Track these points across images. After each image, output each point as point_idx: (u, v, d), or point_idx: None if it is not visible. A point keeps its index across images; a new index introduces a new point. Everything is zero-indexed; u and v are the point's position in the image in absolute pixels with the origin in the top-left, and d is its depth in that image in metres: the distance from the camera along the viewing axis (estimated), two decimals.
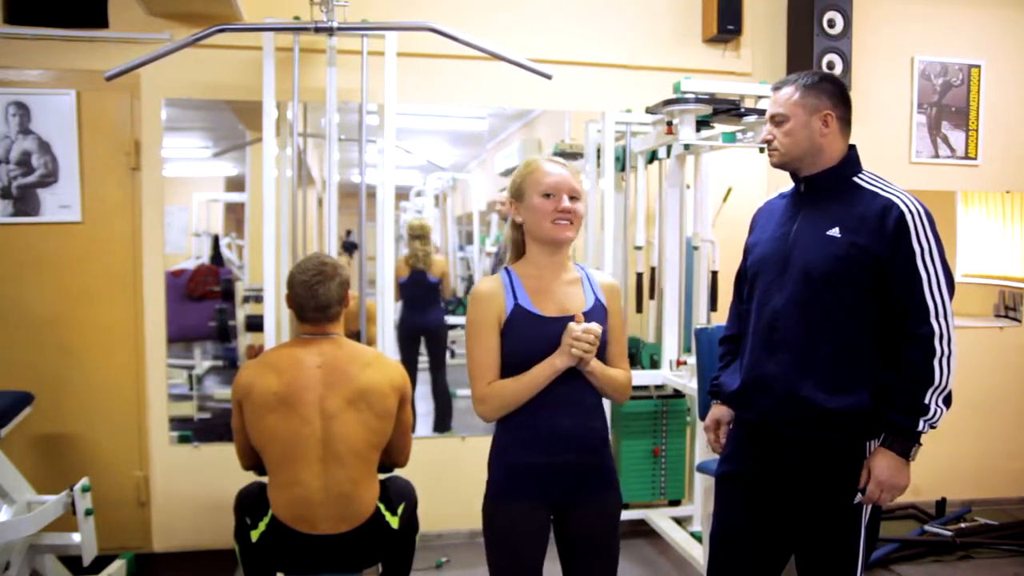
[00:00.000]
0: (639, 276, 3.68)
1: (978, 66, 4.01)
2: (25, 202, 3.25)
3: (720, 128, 3.22)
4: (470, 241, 4.17)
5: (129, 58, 2.81)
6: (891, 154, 3.93)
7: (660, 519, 3.44)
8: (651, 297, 3.73)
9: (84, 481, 2.64)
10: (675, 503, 3.61)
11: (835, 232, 1.78)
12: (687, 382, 3.23)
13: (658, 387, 3.56)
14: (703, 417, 2.31)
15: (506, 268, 1.84)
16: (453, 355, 4.02)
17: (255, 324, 3.44)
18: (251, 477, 2.35)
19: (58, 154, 3.25)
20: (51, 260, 3.27)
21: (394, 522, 2.23)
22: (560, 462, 1.77)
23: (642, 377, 3.52)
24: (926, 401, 1.72)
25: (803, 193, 1.91)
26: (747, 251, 2.02)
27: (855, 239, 1.76)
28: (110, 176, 3.30)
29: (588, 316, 1.76)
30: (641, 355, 3.66)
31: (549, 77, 3.07)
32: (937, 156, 4.01)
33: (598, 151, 3.51)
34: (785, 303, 1.83)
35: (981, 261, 4.58)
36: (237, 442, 2.28)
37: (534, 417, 1.75)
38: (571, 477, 1.79)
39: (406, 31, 3.21)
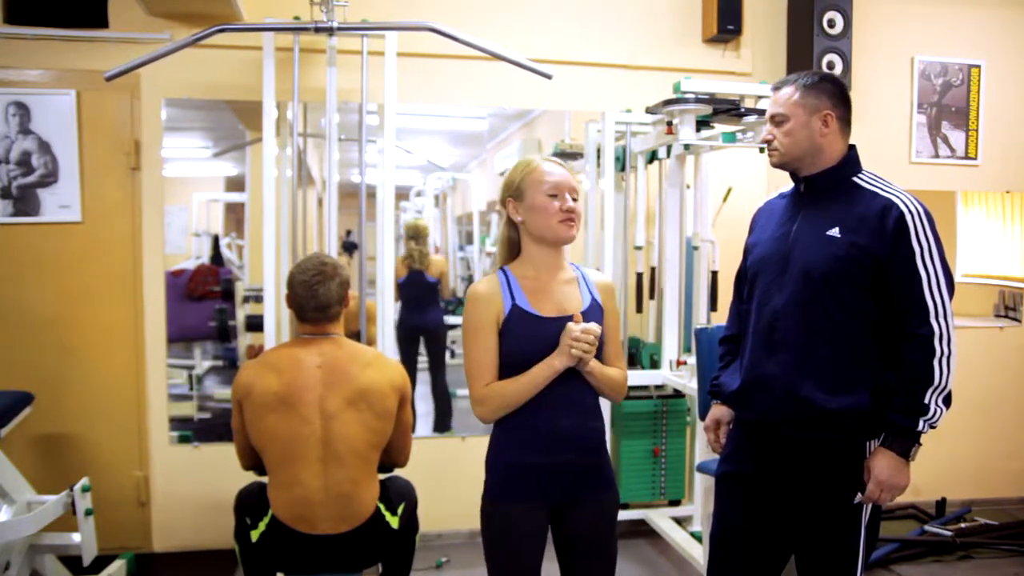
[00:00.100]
0: (639, 276, 3.68)
1: (978, 66, 4.01)
2: (25, 202, 3.25)
3: (720, 128, 3.22)
4: (470, 241, 4.17)
5: (129, 58, 2.81)
6: (891, 154, 3.93)
7: (660, 519, 3.44)
8: (651, 297, 3.73)
9: (84, 481, 2.64)
10: (675, 503, 3.61)
11: (835, 232, 1.78)
12: (687, 382, 3.23)
13: (658, 387, 3.56)
14: (703, 417, 2.31)
15: (502, 268, 1.83)
16: (453, 355, 4.02)
17: (255, 324, 3.43)
18: (251, 477, 2.35)
19: (58, 154, 3.25)
20: (51, 260, 3.27)
21: (394, 522, 2.23)
22: (560, 462, 1.77)
23: (642, 377, 3.52)
24: (926, 401, 1.72)
25: (803, 193, 1.91)
26: (747, 251, 2.02)
27: (855, 239, 1.76)
28: (110, 176, 3.30)
29: (585, 316, 1.76)
30: (641, 355, 3.66)
31: (549, 77, 3.07)
32: (937, 156, 4.01)
33: (598, 151, 3.51)
34: (785, 303, 1.83)
35: (981, 261, 4.58)
36: (237, 442, 2.28)
37: (534, 417, 1.75)
38: (570, 477, 1.79)
39: (406, 31, 3.21)
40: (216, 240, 3.68)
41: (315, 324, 2.22)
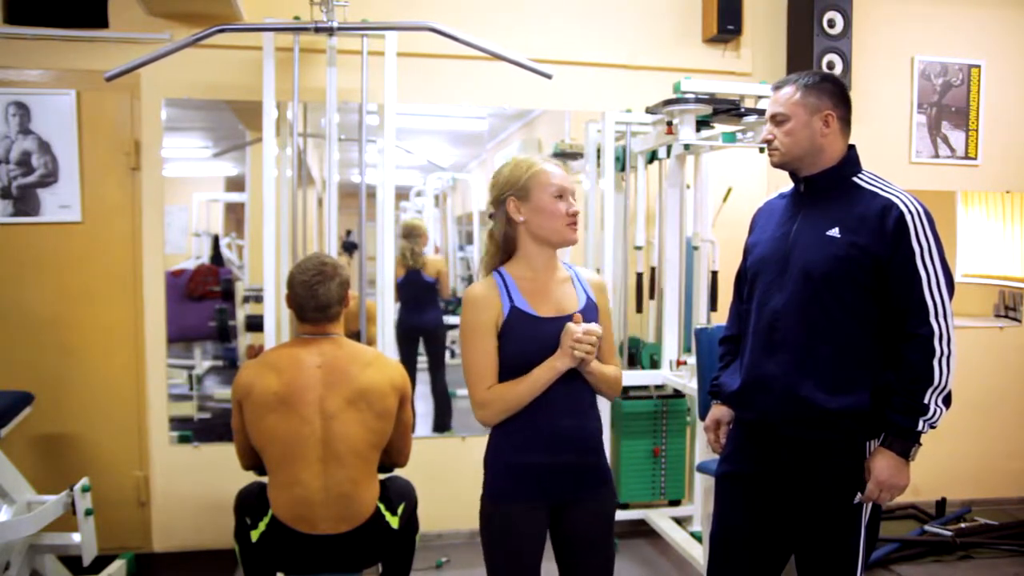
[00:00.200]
0: (639, 276, 3.68)
1: (978, 66, 4.01)
2: (25, 202, 3.25)
3: (720, 128, 3.22)
4: (470, 241, 4.17)
5: (129, 58, 2.81)
6: (891, 154, 3.93)
7: (660, 519, 3.44)
8: (651, 297, 3.73)
9: (84, 481, 2.64)
10: (675, 503, 3.61)
11: (835, 232, 1.78)
12: (687, 382, 3.23)
13: (658, 387, 3.56)
14: (703, 417, 2.31)
15: (498, 270, 1.81)
16: (453, 355, 4.02)
17: (255, 324, 3.43)
18: (251, 477, 2.35)
19: (58, 154, 3.25)
20: (51, 260, 3.27)
21: (394, 522, 2.23)
22: (560, 462, 1.77)
23: (642, 377, 3.52)
24: (926, 401, 1.72)
25: (803, 193, 1.91)
26: (747, 251, 2.02)
27: (855, 239, 1.76)
28: (110, 176, 3.30)
29: (582, 315, 1.76)
30: (641, 355, 3.66)
31: (549, 77, 3.07)
32: (937, 156, 4.01)
33: (598, 151, 3.51)
34: (785, 303, 1.83)
35: (981, 261, 4.58)
36: (237, 442, 2.28)
37: (534, 418, 1.75)
38: (570, 477, 1.79)
39: (406, 31, 3.21)
40: (216, 240, 3.68)
41: (315, 324, 2.22)
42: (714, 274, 3.42)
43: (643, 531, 3.57)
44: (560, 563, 1.86)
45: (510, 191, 1.79)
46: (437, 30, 2.96)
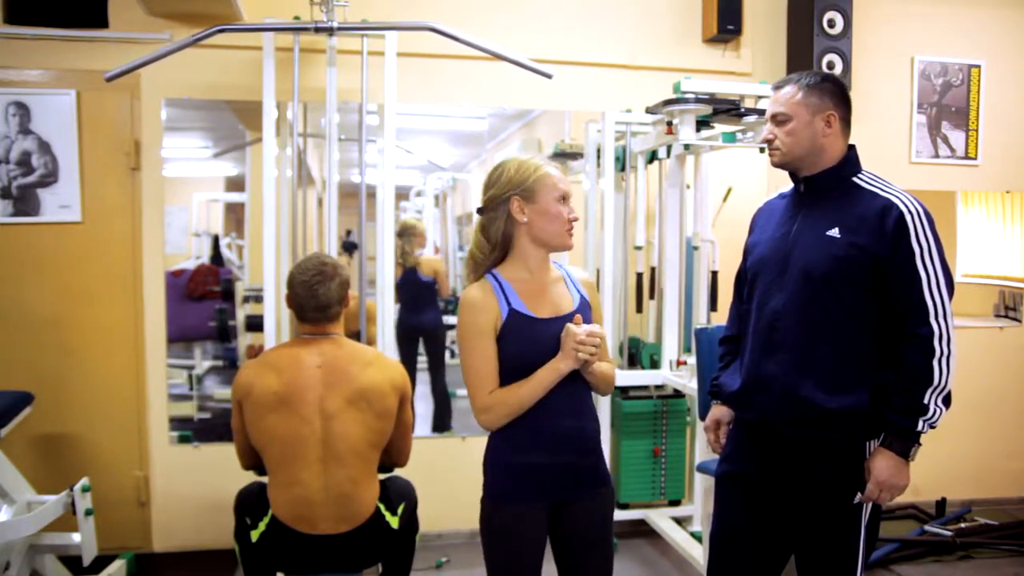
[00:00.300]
0: (639, 276, 3.68)
1: (978, 66, 4.01)
2: (25, 202, 3.25)
3: (720, 128, 3.22)
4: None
5: (129, 58, 2.81)
6: (891, 154, 3.93)
7: (660, 519, 3.44)
8: (651, 297, 3.73)
9: (84, 481, 2.64)
10: (675, 503, 3.61)
11: (835, 232, 1.79)
12: (687, 382, 3.23)
13: (658, 387, 3.56)
14: (703, 417, 2.31)
15: (492, 273, 1.80)
16: (452, 355, 4.02)
17: (255, 324, 3.43)
18: (251, 477, 2.35)
19: (58, 154, 3.25)
20: (51, 260, 3.27)
21: (394, 522, 2.23)
22: (560, 463, 1.77)
23: (642, 377, 3.52)
24: (925, 401, 1.72)
25: (803, 193, 1.91)
26: (747, 251, 2.02)
27: (855, 239, 1.76)
28: (110, 176, 3.30)
29: (579, 314, 1.77)
30: (641, 355, 3.66)
31: (549, 76, 3.07)
32: (937, 156, 4.01)
33: (598, 151, 3.51)
34: (785, 303, 1.83)
35: (981, 261, 4.58)
36: (237, 442, 2.28)
37: (535, 419, 1.74)
38: (570, 478, 1.79)
39: (406, 31, 3.21)
40: (216, 240, 3.68)
41: (315, 324, 2.22)
42: (714, 274, 3.42)
43: (643, 531, 3.57)
44: (559, 563, 1.86)
45: (514, 190, 1.76)
46: (437, 30, 2.96)
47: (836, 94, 1.86)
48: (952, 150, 4.01)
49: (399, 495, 2.30)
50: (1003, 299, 4.34)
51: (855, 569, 1.81)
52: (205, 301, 3.59)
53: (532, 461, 1.76)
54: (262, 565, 2.21)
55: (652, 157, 3.63)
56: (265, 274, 3.09)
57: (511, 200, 1.76)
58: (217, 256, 3.68)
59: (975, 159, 4.03)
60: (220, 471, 3.13)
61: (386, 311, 3.15)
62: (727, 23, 3.62)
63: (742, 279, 2.04)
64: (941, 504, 3.86)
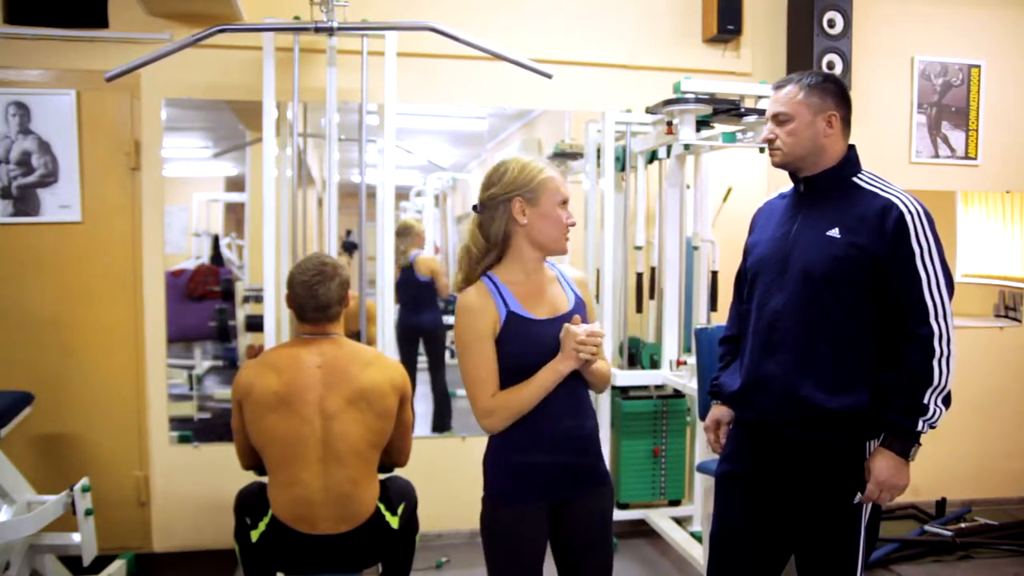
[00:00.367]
0: (639, 276, 3.68)
1: (978, 66, 4.01)
2: (25, 202, 3.25)
3: (720, 128, 3.22)
4: None
5: (129, 58, 2.81)
6: (891, 154, 3.93)
7: (660, 519, 3.44)
8: (651, 297, 3.73)
9: (84, 481, 2.64)
10: (675, 503, 3.61)
11: (835, 232, 1.79)
12: (687, 382, 3.23)
13: (658, 387, 3.56)
14: (703, 417, 2.31)
15: (487, 275, 1.79)
16: (452, 355, 4.02)
17: (255, 324, 3.43)
18: (251, 477, 2.35)
19: (58, 154, 3.25)
20: (51, 260, 3.27)
21: (394, 522, 2.23)
22: (561, 463, 1.77)
23: (642, 377, 3.52)
24: (925, 401, 1.72)
25: (803, 193, 1.91)
26: (747, 251, 2.02)
27: (855, 239, 1.76)
28: (110, 176, 3.30)
29: (575, 313, 1.77)
30: (641, 355, 3.66)
31: (549, 76, 3.07)
32: (937, 156, 4.01)
33: (598, 151, 3.51)
34: (785, 303, 1.83)
35: (981, 261, 4.58)
36: (237, 442, 2.28)
37: (536, 419, 1.74)
38: (570, 478, 1.79)
39: (406, 31, 3.21)
40: (216, 240, 3.68)
41: (315, 324, 2.22)
42: (714, 274, 3.42)
43: (643, 531, 3.57)
44: (559, 563, 1.86)
45: (518, 192, 1.75)
46: (437, 30, 2.96)
47: (837, 94, 1.86)
48: (952, 150, 4.01)
49: (399, 495, 2.30)
50: (1003, 299, 4.34)
51: (855, 569, 1.81)
52: (205, 301, 3.59)
53: (532, 461, 1.76)
54: (262, 565, 2.21)
55: (652, 157, 3.63)
56: (265, 274, 3.09)
57: (513, 201, 1.75)
58: (217, 256, 3.68)
59: (975, 159, 4.03)
60: (220, 471, 3.13)
61: (386, 311, 3.15)
62: (727, 23, 3.62)
63: (742, 279, 2.04)
64: (941, 504, 3.86)
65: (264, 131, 3.08)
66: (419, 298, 3.92)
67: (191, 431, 3.44)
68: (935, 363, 1.72)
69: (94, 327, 3.31)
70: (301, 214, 3.28)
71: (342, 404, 2.14)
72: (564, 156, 3.76)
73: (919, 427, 1.73)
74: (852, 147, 1.89)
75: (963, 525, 3.68)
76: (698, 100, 3.06)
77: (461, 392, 3.89)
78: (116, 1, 3.21)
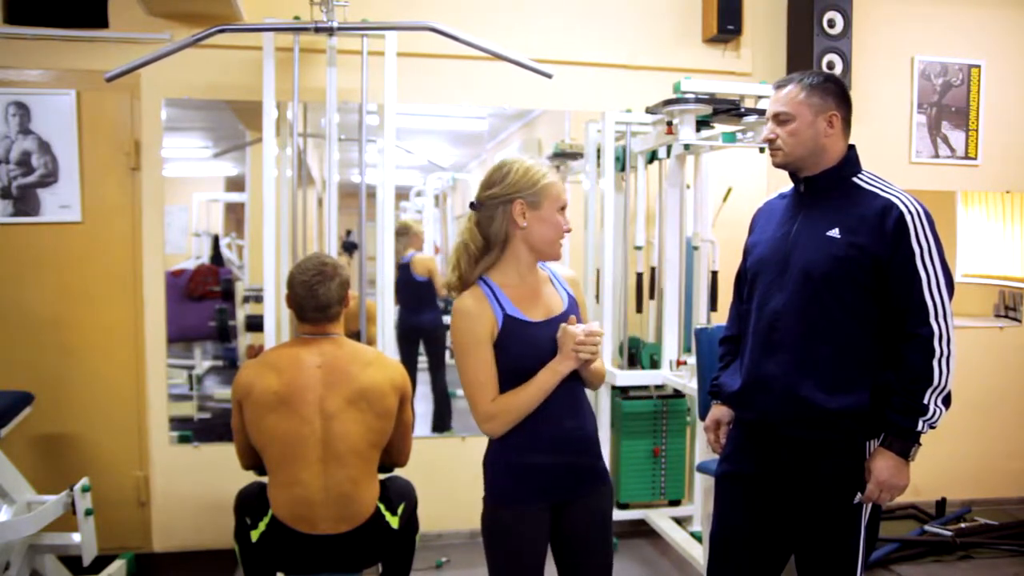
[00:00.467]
0: (639, 276, 3.68)
1: (978, 66, 4.01)
2: (25, 202, 3.25)
3: (720, 128, 3.22)
4: None
5: (129, 58, 2.81)
6: (891, 154, 3.93)
7: (660, 519, 3.44)
8: (651, 297, 3.73)
9: (84, 481, 2.64)
10: (675, 503, 3.61)
11: (835, 232, 1.79)
12: (687, 382, 3.23)
13: (658, 387, 3.55)
14: (703, 417, 2.31)
15: (483, 279, 1.78)
16: (452, 355, 4.01)
17: (255, 324, 3.44)
18: (251, 477, 2.35)
19: (58, 154, 3.25)
20: (51, 260, 3.27)
21: (394, 522, 2.23)
22: (561, 463, 1.78)
23: (642, 377, 3.52)
24: (925, 401, 1.72)
25: (803, 193, 1.91)
26: (747, 251, 2.02)
27: (855, 239, 1.76)
28: (110, 176, 3.30)
29: (570, 313, 1.77)
30: (641, 355, 3.66)
31: (549, 76, 3.07)
32: (937, 156, 4.01)
33: (598, 151, 3.50)
34: (785, 303, 1.83)
35: (981, 261, 4.58)
36: (237, 442, 2.28)
37: (536, 420, 1.74)
38: (571, 478, 1.79)
39: (406, 31, 3.21)
40: (216, 240, 3.68)
41: (315, 324, 2.22)
42: (714, 274, 3.42)
43: (643, 531, 3.57)
44: (559, 563, 1.86)
45: (520, 194, 1.74)
46: (437, 30, 2.96)
47: (838, 94, 1.86)
48: (952, 150, 4.01)
49: (399, 495, 2.30)
50: (1003, 299, 4.34)
51: (855, 569, 1.81)
52: (205, 301, 3.59)
53: (533, 462, 1.76)
54: (262, 565, 2.21)
55: (652, 157, 3.63)
56: (265, 274, 3.09)
57: (514, 203, 1.74)
58: (217, 256, 3.68)
59: (975, 159, 4.03)
60: (220, 471, 3.13)
61: (386, 311, 3.15)
62: (727, 23, 3.62)
63: (742, 279, 2.04)
64: (941, 504, 3.86)
65: (264, 131, 3.08)
66: (418, 298, 3.92)
67: (191, 431, 3.44)
68: (935, 363, 1.72)
69: (94, 327, 3.31)
70: (301, 214, 3.28)
71: (342, 404, 2.14)
72: (564, 156, 3.75)
73: (919, 427, 1.73)
74: (852, 147, 1.89)
75: (963, 525, 3.68)
76: (698, 100, 3.06)
77: (461, 392, 3.86)
78: (116, 1, 3.21)
